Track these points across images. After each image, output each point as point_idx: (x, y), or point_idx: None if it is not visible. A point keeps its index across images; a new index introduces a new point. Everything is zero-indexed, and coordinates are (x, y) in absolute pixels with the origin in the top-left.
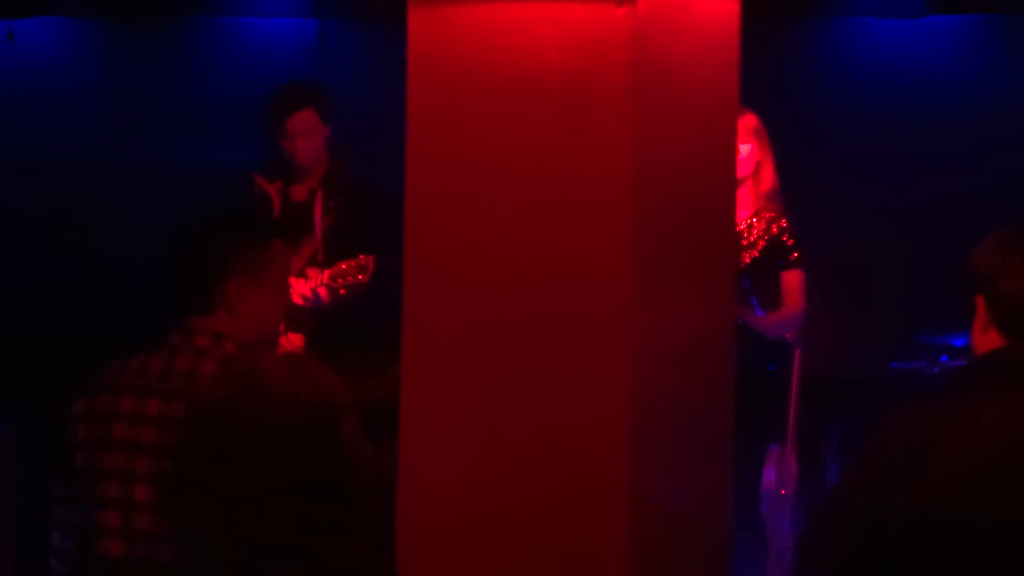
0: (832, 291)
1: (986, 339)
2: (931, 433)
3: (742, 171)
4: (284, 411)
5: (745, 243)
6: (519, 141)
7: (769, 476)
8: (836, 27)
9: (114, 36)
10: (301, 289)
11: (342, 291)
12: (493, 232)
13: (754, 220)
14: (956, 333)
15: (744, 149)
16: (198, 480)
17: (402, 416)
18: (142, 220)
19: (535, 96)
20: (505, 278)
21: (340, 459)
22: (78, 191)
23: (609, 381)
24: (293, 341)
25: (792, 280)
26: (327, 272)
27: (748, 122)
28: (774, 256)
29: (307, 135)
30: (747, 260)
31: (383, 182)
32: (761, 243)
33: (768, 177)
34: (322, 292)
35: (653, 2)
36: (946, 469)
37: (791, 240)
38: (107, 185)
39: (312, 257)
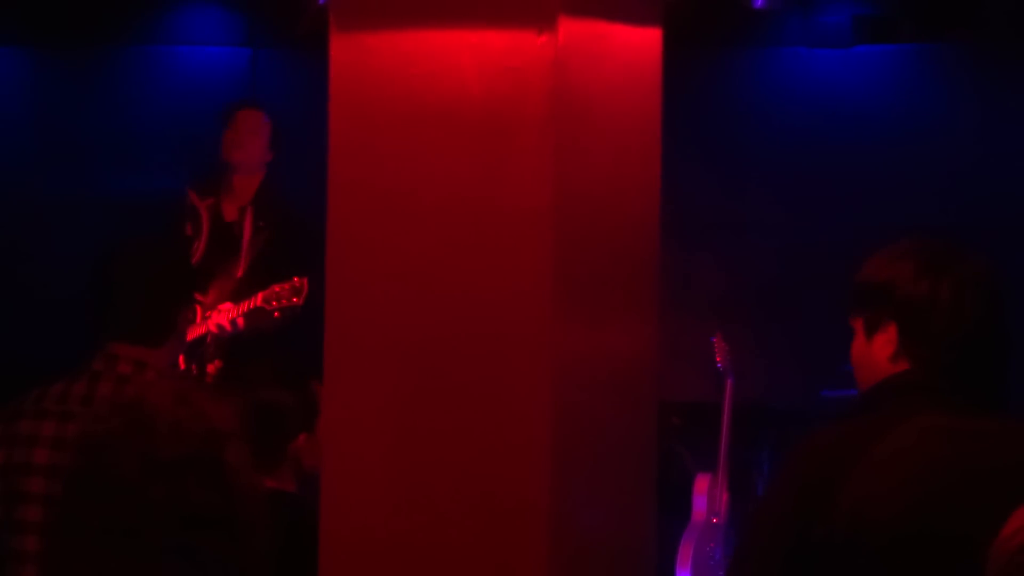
0: (762, 321)
1: (883, 357)
2: (846, 457)
3: None
4: (167, 443)
5: None
6: (440, 168)
7: (700, 505)
8: (766, 57)
9: (44, 63)
10: (219, 319)
11: (276, 314)
12: (414, 259)
13: None
14: None
15: None
16: (81, 514)
17: (324, 440)
18: (71, 249)
19: (456, 123)
20: (426, 306)
21: (225, 491)
22: (5, 219)
23: (529, 407)
24: (208, 369)
25: None
26: (260, 294)
27: None
28: None
29: (253, 133)
30: None
31: (313, 209)
32: None
33: None
34: (240, 323)
35: (574, 31)
36: (865, 490)
37: None
38: (36, 214)
39: (240, 279)
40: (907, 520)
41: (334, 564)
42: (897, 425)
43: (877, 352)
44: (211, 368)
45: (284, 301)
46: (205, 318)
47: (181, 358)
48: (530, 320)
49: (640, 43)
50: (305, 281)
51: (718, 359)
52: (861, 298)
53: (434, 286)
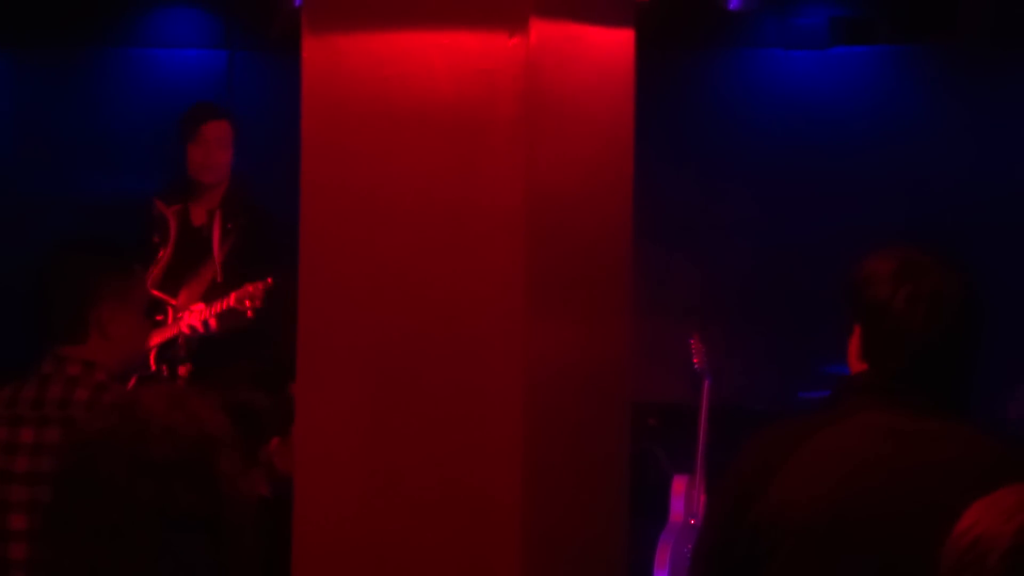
0: (740, 323)
1: (854, 356)
2: (784, 451)
3: None
4: (159, 445)
5: None
6: (412, 169)
7: (678, 506)
8: (743, 58)
9: (20, 66)
10: (190, 320)
11: (249, 313)
12: (386, 259)
13: None
14: None
15: None
16: (70, 512)
17: (296, 441)
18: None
19: (428, 125)
20: (398, 306)
21: (214, 496)
22: None
23: (501, 407)
24: (180, 371)
25: None
26: (233, 294)
27: None
28: None
29: (220, 144)
30: None
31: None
32: None
33: None
34: (212, 323)
35: (545, 32)
36: (792, 480)
37: None
38: (10, 215)
39: (212, 281)
40: (825, 511)
41: (307, 565)
42: (839, 422)
43: (851, 350)
44: (182, 371)
45: (257, 301)
46: (176, 319)
47: (152, 360)
48: (502, 320)
49: (612, 44)
50: (278, 281)
51: (695, 360)
52: (844, 296)
53: (406, 286)
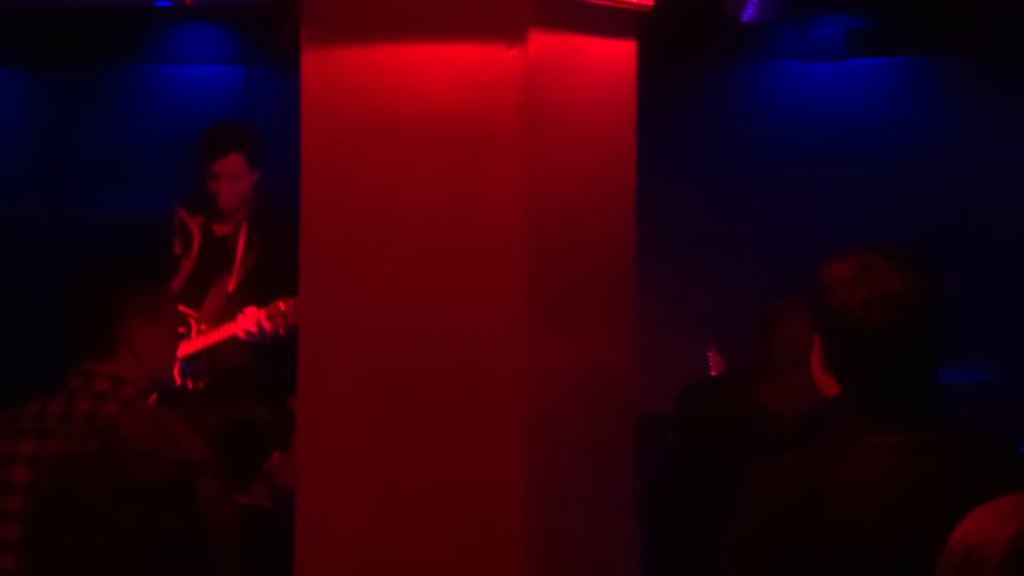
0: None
1: (816, 362)
2: (816, 487)
3: None
4: (139, 469)
5: None
6: (412, 182)
7: None
8: (759, 70)
9: (40, 84)
10: (245, 325)
11: (281, 331)
12: (387, 272)
13: None
14: None
15: None
16: (49, 537)
17: (297, 452)
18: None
19: (429, 138)
20: (400, 318)
21: (194, 520)
22: (4, 236)
23: (504, 418)
24: (199, 386)
25: None
26: (264, 311)
27: None
28: None
29: (232, 179)
30: None
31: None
32: None
33: None
34: (266, 326)
35: (544, 44)
36: (840, 514)
37: None
38: (33, 233)
39: (231, 293)
40: (882, 545)
41: (309, 568)
42: (849, 451)
43: (814, 360)
44: (201, 385)
45: (290, 319)
46: (200, 332)
47: (177, 375)
48: (504, 331)
49: (613, 56)
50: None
51: (713, 373)
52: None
53: (407, 300)
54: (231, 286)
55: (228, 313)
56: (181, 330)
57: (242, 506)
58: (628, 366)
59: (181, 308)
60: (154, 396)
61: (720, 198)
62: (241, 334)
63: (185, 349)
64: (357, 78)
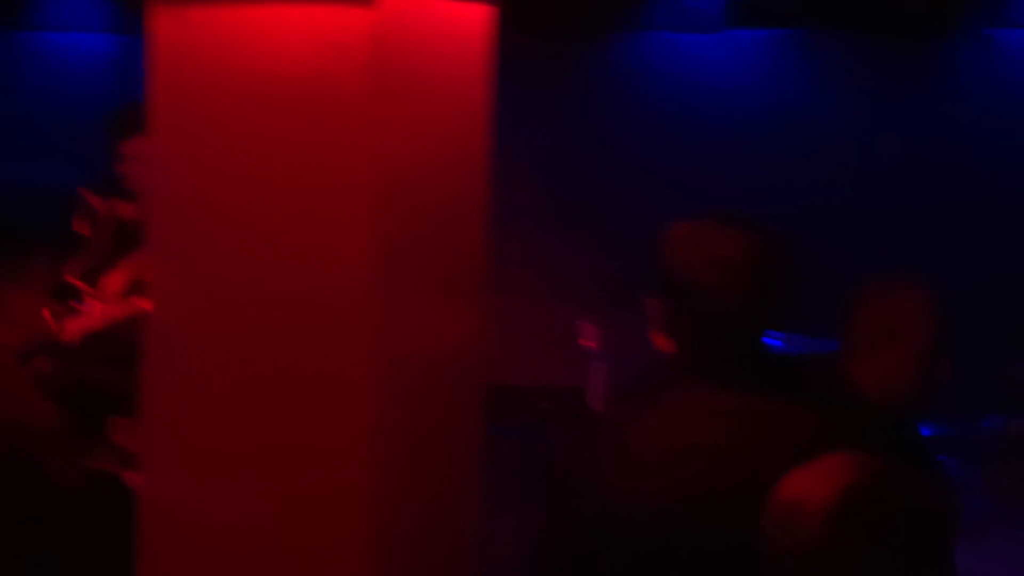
0: (637, 306)
1: (659, 334)
2: (610, 440)
3: None
4: None
5: None
6: (261, 145)
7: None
8: (635, 42)
9: None
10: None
11: None
12: (235, 238)
13: None
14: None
15: None
16: None
17: (144, 420)
18: None
19: (277, 100)
20: (248, 285)
21: (40, 485)
22: None
23: (349, 388)
24: None
25: None
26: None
27: None
28: None
29: (141, 160)
30: None
31: None
32: None
33: None
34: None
35: (395, 7)
36: (620, 468)
37: None
38: None
39: (137, 273)
40: (655, 500)
41: (152, 543)
42: (655, 406)
43: (653, 323)
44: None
45: None
46: (102, 311)
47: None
48: (351, 300)
49: (467, 20)
50: None
51: (587, 343)
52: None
53: (256, 265)
54: (135, 267)
55: (133, 292)
56: (75, 304)
57: (90, 471)
58: (481, 336)
59: (77, 283)
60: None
61: (597, 170)
62: (144, 312)
63: (88, 325)
64: (206, 38)
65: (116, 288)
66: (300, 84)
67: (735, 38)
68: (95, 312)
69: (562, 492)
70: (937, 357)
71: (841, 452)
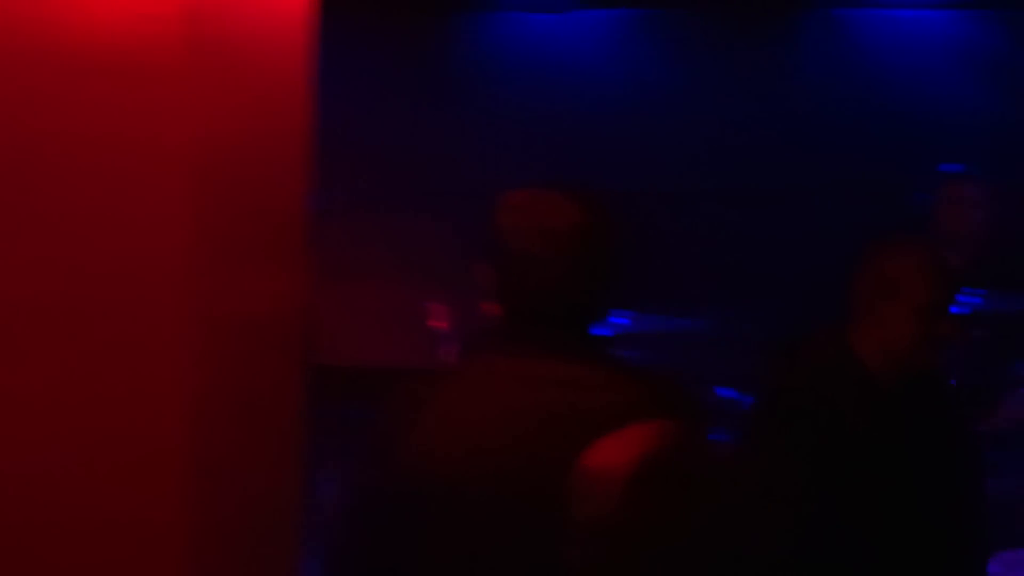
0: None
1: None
2: (420, 402)
3: None
4: None
5: None
6: (76, 120)
7: None
8: (483, 21)
9: None
10: None
11: None
12: (52, 212)
13: None
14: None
15: None
16: None
17: None
18: None
19: (91, 73)
20: (64, 260)
21: None
22: None
23: (169, 356)
24: None
25: None
26: None
27: None
28: None
29: None
30: None
31: None
32: None
33: None
34: None
35: None
36: (423, 432)
37: None
38: None
39: None
40: (454, 466)
41: None
42: (467, 370)
43: (486, 293)
44: None
45: None
46: None
47: None
48: (167, 274)
49: None
50: None
51: (438, 324)
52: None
53: (72, 239)
54: None
55: None
56: None
57: None
58: (302, 310)
59: None
60: None
61: (448, 150)
62: None
63: None
64: (18, 9)
65: None
66: (114, 55)
67: (583, 18)
68: None
69: (379, 447)
70: (938, 315)
71: (647, 421)
